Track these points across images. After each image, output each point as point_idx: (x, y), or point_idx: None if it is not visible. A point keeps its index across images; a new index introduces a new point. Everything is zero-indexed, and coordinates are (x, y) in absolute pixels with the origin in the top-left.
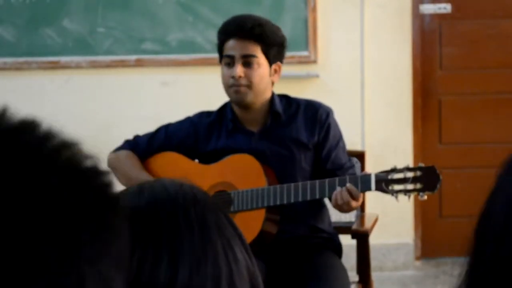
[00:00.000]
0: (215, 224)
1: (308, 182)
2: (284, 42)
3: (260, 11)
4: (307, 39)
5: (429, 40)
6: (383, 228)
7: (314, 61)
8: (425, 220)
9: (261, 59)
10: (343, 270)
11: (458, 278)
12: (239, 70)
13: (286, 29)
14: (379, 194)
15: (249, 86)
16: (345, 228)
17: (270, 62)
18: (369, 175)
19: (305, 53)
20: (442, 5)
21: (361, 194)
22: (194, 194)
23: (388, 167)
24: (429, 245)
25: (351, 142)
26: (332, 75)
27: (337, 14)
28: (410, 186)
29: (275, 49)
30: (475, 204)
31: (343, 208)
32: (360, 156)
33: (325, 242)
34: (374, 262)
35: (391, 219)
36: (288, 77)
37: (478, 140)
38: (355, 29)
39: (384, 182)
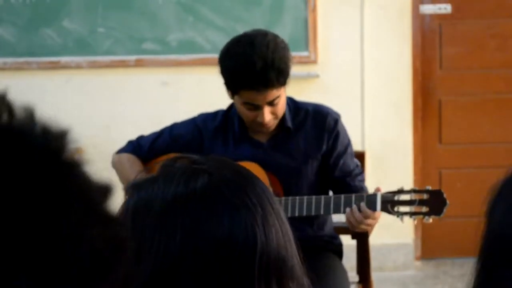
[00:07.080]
0: (271, 198)
1: (313, 198)
2: (291, 56)
3: (260, 11)
4: (307, 39)
5: (429, 40)
6: (383, 228)
7: (314, 61)
8: None
9: (282, 91)
10: (343, 272)
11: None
12: (267, 116)
13: (286, 29)
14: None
15: (276, 118)
16: (345, 229)
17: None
18: (375, 195)
19: (305, 53)
20: (442, 5)
21: (375, 213)
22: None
23: (388, 167)
24: (429, 245)
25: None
26: (332, 75)
27: (337, 14)
28: (416, 209)
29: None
30: (475, 204)
31: (359, 228)
32: (360, 156)
33: (325, 244)
34: (374, 262)
35: (391, 219)
36: None
37: (478, 140)
38: (355, 29)
39: (390, 204)
